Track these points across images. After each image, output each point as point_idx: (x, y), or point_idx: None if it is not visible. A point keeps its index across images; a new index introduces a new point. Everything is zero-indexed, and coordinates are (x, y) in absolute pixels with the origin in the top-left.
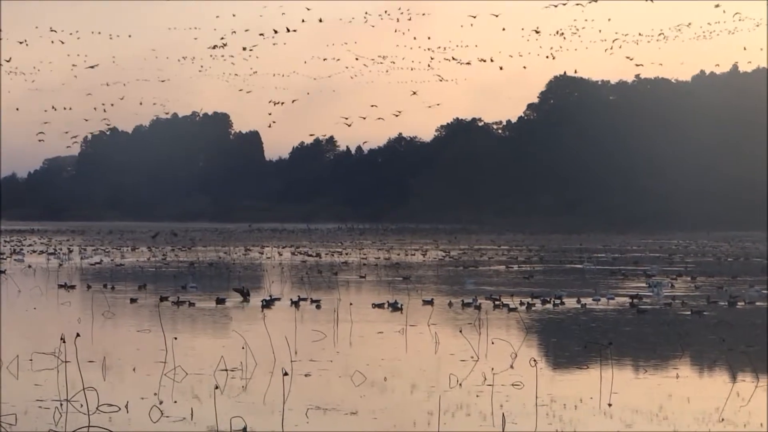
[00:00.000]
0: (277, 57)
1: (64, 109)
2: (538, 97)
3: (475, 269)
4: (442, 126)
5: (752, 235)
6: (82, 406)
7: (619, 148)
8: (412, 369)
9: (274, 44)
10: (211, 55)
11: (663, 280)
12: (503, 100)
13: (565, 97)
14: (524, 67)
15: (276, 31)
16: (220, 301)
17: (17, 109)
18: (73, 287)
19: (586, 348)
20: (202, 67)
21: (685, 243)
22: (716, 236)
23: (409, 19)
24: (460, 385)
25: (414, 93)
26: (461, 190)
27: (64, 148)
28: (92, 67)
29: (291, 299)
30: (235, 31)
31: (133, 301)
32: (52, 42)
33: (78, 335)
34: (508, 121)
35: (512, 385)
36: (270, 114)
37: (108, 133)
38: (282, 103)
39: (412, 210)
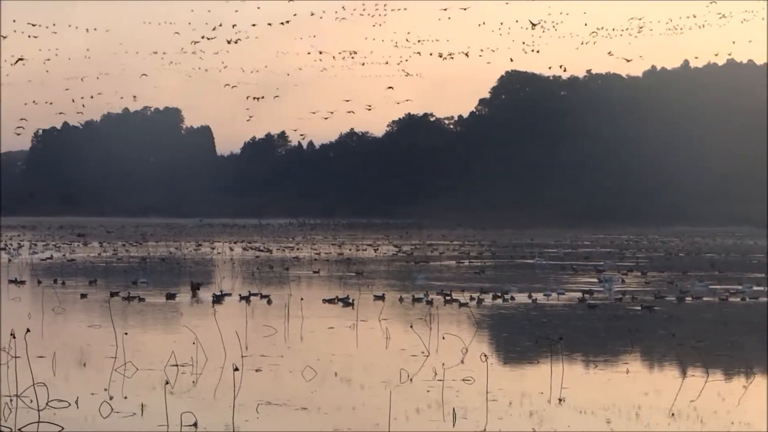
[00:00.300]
0: (243, 52)
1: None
2: (489, 92)
3: (426, 264)
4: (393, 121)
5: (702, 230)
6: (32, 401)
7: (570, 143)
8: (363, 364)
9: (246, 37)
10: (182, 50)
11: (614, 276)
12: (459, 95)
13: (516, 92)
14: (511, 59)
15: (272, 23)
16: (171, 296)
17: None
18: (23, 282)
19: (536, 343)
20: (171, 62)
21: (635, 238)
22: (666, 231)
23: (384, 15)
24: (411, 380)
25: (390, 88)
26: (412, 185)
27: (15, 143)
28: (20, 60)
29: (240, 294)
30: (221, 25)
31: (83, 296)
32: (29, 36)
33: (28, 330)
34: (460, 116)
35: (463, 380)
36: (248, 109)
37: (59, 128)
38: (262, 98)
39: (364, 205)
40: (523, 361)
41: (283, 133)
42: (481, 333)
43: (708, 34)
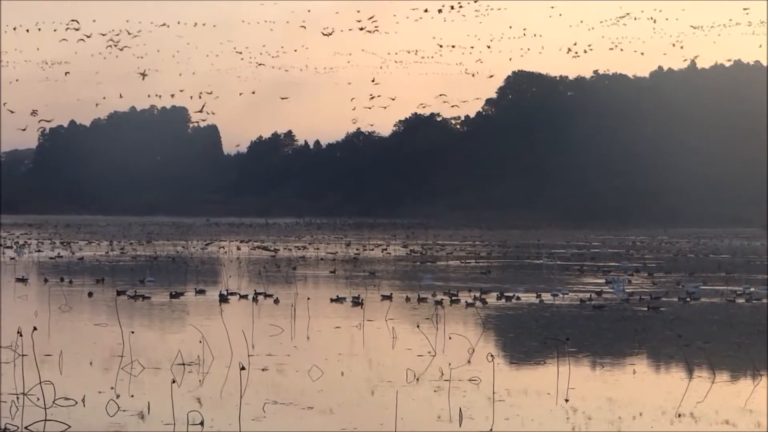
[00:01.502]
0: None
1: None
2: (496, 92)
3: (433, 264)
4: (400, 121)
5: (709, 232)
6: (39, 399)
7: (577, 143)
8: (370, 364)
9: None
10: (214, 54)
11: (620, 276)
12: (468, 94)
13: (523, 92)
14: (546, 46)
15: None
16: (176, 295)
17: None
18: (26, 280)
19: (544, 343)
20: (182, 60)
21: (642, 239)
22: (674, 233)
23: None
24: (418, 380)
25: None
26: (418, 184)
27: (22, 141)
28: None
29: (239, 294)
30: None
31: (90, 294)
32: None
33: (35, 329)
34: (467, 117)
35: (469, 380)
36: (353, 109)
37: (66, 126)
38: (379, 96)
39: (369, 204)
40: (530, 361)
41: (290, 132)
42: (488, 333)
43: (718, 35)
